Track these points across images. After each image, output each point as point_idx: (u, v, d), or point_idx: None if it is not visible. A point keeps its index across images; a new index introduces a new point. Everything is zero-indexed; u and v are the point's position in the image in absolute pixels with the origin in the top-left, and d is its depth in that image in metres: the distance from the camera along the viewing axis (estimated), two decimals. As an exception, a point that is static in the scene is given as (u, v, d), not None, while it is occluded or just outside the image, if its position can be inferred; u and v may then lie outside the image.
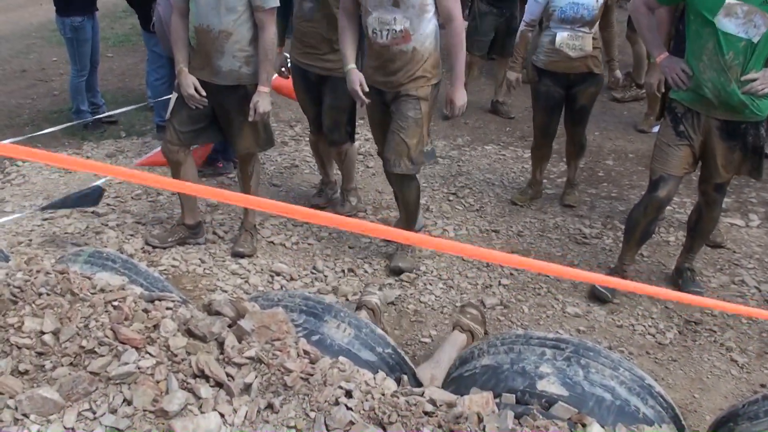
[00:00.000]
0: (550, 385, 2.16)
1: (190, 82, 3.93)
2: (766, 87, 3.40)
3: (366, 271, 4.22)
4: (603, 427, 2.02)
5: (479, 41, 6.55)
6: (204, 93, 3.96)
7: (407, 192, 4.09)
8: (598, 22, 4.55)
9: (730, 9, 3.32)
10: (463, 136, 6.43)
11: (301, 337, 2.34)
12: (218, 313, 2.33)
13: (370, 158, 5.77)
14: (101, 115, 6.42)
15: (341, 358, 2.24)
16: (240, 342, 2.23)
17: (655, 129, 5.55)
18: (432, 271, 4.25)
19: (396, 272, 4.17)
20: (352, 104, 4.30)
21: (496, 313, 3.87)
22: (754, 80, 3.39)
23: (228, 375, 2.08)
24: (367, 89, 3.88)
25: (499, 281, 4.15)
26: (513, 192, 5.27)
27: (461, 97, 3.92)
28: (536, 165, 5.11)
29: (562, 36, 4.52)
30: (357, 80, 3.85)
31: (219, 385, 2.06)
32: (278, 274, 4.13)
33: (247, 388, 2.05)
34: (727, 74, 3.42)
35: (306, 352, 2.25)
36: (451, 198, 5.22)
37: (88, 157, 5.85)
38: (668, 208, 4.75)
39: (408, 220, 4.22)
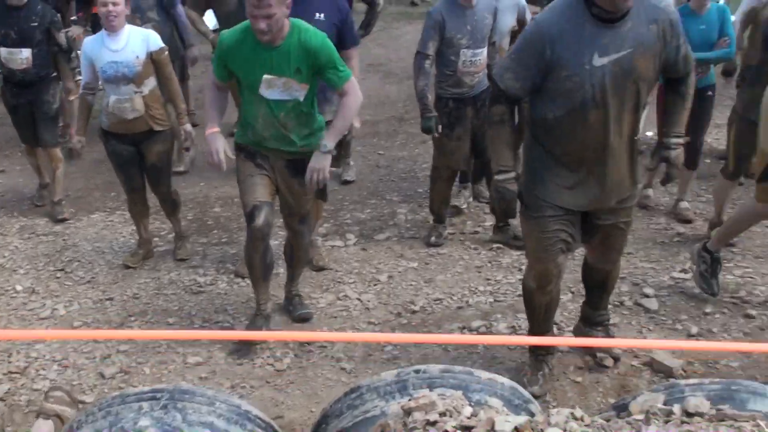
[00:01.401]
0: (149, 437, 2.19)
1: None
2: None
3: (-32, 371, 3.87)
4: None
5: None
6: None
7: None
8: (150, 79, 4.64)
9: (269, 83, 3.69)
10: (66, 209, 6.17)
11: None
12: None
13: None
14: None
15: None
16: None
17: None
18: (44, 356, 4.02)
19: None
20: None
21: (117, 382, 3.79)
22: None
23: None
24: None
25: (117, 348, 4.07)
26: (125, 256, 5.20)
27: None
28: (138, 223, 5.11)
29: (111, 100, 4.59)
30: None
31: None
32: None
33: None
34: (285, 129, 3.79)
35: None
36: (59, 275, 5.00)
37: None
38: (275, 242, 5.04)
39: None
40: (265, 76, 3.64)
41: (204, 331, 4.25)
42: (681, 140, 3.38)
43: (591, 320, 3.84)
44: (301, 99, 3.73)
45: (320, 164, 3.73)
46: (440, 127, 4.90)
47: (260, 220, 3.86)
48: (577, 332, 3.95)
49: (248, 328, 4.10)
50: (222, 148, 3.75)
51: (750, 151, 4.73)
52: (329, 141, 3.76)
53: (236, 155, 3.94)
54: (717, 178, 5.28)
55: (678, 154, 3.38)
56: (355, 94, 3.77)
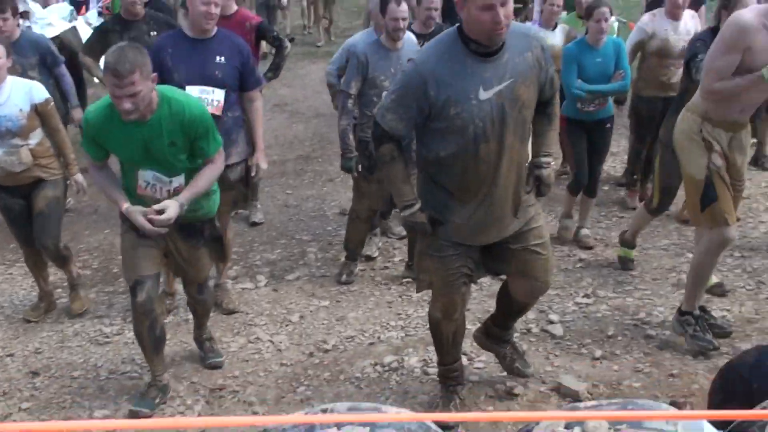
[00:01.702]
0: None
1: None
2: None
3: None
4: None
5: None
6: None
7: None
8: (37, 131, 4.50)
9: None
10: (-38, 263, 5.94)
11: None
12: None
13: None
14: None
15: None
16: None
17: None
18: (-61, 419, 3.85)
19: None
20: None
21: (18, 441, 3.64)
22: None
23: None
24: None
25: (19, 407, 3.93)
26: (25, 309, 5.02)
27: None
28: (37, 276, 4.95)
29: None
30: None
31: None
32: None
33: None
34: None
35: None
36: (-46, 333, 4.79)
37: None
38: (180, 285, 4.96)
39: None
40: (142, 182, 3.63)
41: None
42: (551, 159, 3.52)
43: (500, 338, 3.88)
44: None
45: (169, 211, 3.51)
46: (360, 167, 4.94)
47: (142, 296, 3.71)
48: (480, 342, 3.96)
49: (140, 400, 3.90)
50: (141, 217, 3.52)
51: (677, 183, 4.67)
52: (185, 199, 3.58)
53: (121, 224, 3.77)
54: (638, 208, 5.41)
55: (549, 172, 3.50)
56: (221, 162, 3.77)
